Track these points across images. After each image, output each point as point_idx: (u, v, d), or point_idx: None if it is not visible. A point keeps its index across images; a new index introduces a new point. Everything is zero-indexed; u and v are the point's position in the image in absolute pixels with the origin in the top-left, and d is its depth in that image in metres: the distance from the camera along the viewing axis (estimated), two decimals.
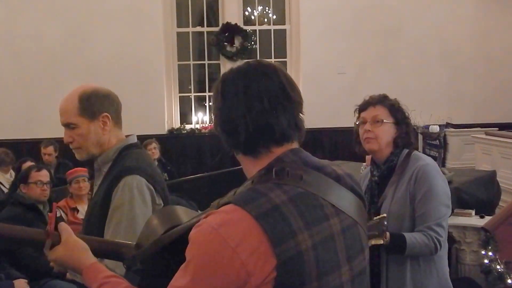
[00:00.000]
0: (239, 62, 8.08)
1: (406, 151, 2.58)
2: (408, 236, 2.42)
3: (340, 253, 1.29)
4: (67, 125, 2.07)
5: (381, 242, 2.37)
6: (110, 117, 2.07)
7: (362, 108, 2.63)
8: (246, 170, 1.37)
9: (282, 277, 1.18)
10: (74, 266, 1.51)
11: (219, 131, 1.35)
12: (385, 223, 2.38)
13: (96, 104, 2.05)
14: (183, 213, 1.59)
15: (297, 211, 1.23)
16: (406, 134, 2.58)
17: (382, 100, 2.61)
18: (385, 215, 2.40)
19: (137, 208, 1.92)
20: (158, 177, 2.08)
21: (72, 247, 1.52)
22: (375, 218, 2.43)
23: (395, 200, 2.50)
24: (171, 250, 1.39)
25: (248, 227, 1.18)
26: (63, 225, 1.56)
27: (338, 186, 1.35)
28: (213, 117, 1.37)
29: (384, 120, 2.55)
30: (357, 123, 2.66)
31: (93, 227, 1.98)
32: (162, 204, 2.03)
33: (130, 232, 1.86)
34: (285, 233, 1.19)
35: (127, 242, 1.62)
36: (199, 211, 1.85)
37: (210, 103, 1.61)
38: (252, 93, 1.30)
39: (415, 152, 2.60)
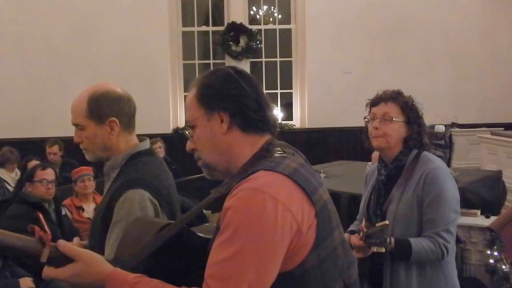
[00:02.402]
0: (244, 62, 8.06)
1: (415, 151, 2.48)
2: (414, 242, 2.34)
3: (335, 215, 1.45)
4: (76, 125, 2.03)
5: (383, 251, 2.29)
6: (118, 122, 1.99)
7: (374, 103, 2.54)
8: (237, 154, 1.45)
9: (320, 224, 1.34)
10: (95, 279, 1.38)
11: (237, 108, 1.43)
12: (387, 231, 2.30)
13: (104, 108, 1.98)
14: (162, 219, 1.57)
15: (308, 173, 1.41)
16: (418, 134, 2.47)
17: (395, 97, 2.50)
18: (387, 222, 2.31)
19: None
20: (164, 190, 1.97)
21: (90, 260, 1.39)
22: (377, 224, 2.34)
23: (402, 202, 2.42)
24: (166, 251, 1.38)
25: (288, 184, 1.33)
26: (63, 242, 1.42)
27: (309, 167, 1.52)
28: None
29: (394, 118, 2.45)
30: (367, 118, 2.56)
31: (96, 236, 1.95)
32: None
33: None
34: (312, 187, 1.37)
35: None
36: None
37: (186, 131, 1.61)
38: (259, 88, 1.50)
39: (425, 152, 2.50)
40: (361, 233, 2.39)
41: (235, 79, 1.45)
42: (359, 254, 2.37)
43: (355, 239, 2.38)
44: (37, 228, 1.38)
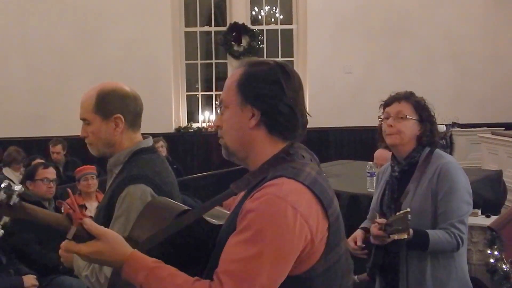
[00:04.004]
0: None
1: (428, 149, 2.59)
2: (431, 233, 2.44)
3: (343, 226, 1.48)
4: (83, 120, 2.08)
5: (405, 236, 2.37)
6: (123, 119, 2.04)
7: (387, 103, 2.65)
8: (257, 150, 1.48)
9: (330, 237, 1.40)
10: (115, 259, 1.38)
11: (268, 107, 1.44)
12: (409, 217, 2.38)
13: (111, 104, 2.03)
14: (178, 204, 1.62)
15: (325, 184, 1.44)
16: (430, 132, 2.58)
17: (407, 97, 2.62)
18: (409, 209, 2.40)
19: None
20: (166, 186, 2.01)
21: (114, 240, 1.40)
22: (398, 213, 2.42)
23: (417, 196, 2.52)
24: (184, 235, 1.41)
25: (307, 194, 1.37)
26: (89, 220, 1.41)
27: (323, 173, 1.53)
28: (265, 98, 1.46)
29: (408, 116, 2.56)
30: (381, 118, 2.67)
31: None
32: None
33: None
34: (328, 199, 1.41)
35: None
36: None
37: (217, 102, 1.61)
38: (300, 94, 1.51)
39: (437, 150, 2.61)
40: (378, 224, 2.49)
41: (278, 80, 1.45)
42: (376, 242, 2.51)
43: (374, 229, 2.49)
44: (65, 204, 1.41)
